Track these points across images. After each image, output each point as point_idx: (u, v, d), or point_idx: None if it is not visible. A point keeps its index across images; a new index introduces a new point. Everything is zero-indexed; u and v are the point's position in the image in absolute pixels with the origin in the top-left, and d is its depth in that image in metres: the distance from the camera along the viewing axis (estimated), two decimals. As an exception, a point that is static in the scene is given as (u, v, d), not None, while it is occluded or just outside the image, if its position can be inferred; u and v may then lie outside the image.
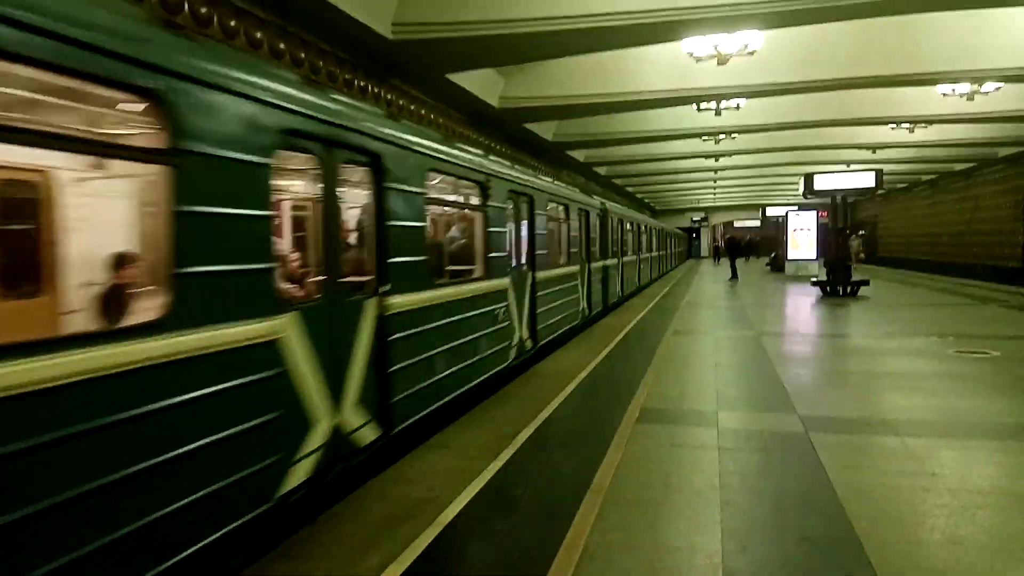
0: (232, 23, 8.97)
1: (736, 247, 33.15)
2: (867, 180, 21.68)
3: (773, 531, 4.31)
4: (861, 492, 4.86)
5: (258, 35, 9.50)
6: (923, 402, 7.56)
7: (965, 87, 16.56)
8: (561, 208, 12.21)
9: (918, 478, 5.14)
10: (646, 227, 26.82)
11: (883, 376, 9.07)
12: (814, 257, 29.87)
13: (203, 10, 8.45)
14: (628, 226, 21.04)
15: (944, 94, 17.38)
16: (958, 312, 17.03)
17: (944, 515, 4.47)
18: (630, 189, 43.88)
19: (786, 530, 4.30)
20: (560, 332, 11.60)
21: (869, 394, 8.03)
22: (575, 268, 12.84)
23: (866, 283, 20.92)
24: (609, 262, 16.98)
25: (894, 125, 22.51)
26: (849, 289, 20.43)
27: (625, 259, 20.00)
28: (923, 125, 22.21)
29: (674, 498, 4.87)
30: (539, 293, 10.20)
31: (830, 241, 22.52)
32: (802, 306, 19.16)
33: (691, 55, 13.87)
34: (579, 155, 26.24)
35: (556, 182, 13.55)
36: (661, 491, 4.97)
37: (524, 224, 9.92)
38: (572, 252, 12.62)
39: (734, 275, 29.71)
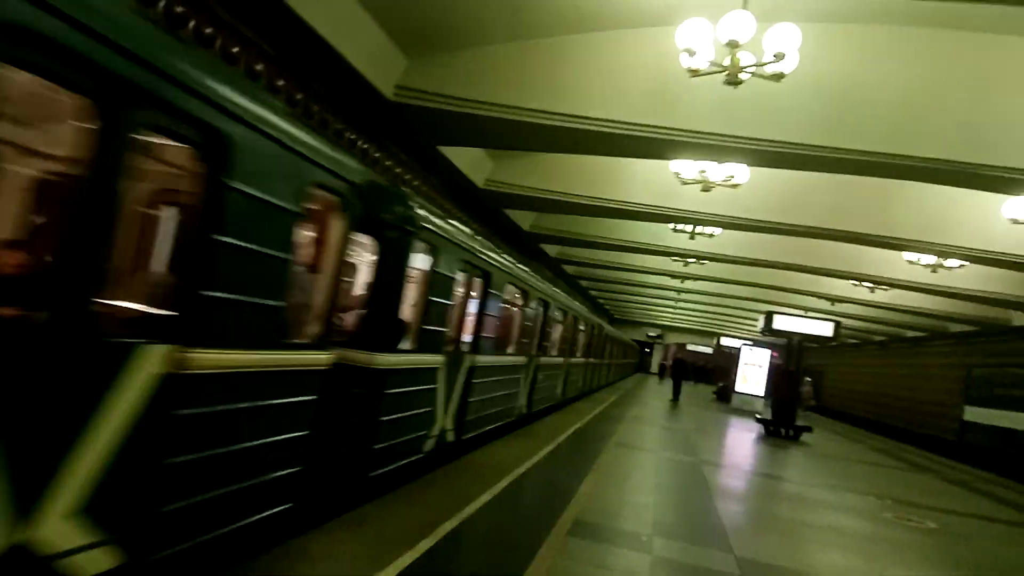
0: (235, 50, 8.83)
1: (683, 369, 32.73)
2: (824, 329, 22.05)
3: None
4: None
5: (258, 67, 9.35)
6: (862, 565, 7.28)
7: (930, 259, 17.07)
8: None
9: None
10: (580, 322, 20.50)
11: (821, 529, 8.80)
12: (762, 394, 29.90)
13: (207, 30, 8.30)
14: (533, 306, 12.88)
15: (909, 261, 17.90)
16: (897, 476, 17.00)
17: None
18: (594, 293, 44.20)
19: None
20: None
21: (807, 545, 7.74)
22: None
23: (809, 429, 20.93)
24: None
25: (856, 282, 23.10)
26: (791, 432, 20.42)
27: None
28: (884, 287, 22.82)
29: (598, 628, 4.45)
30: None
31: (780, 382, 22.62)
32: (744, 441, 19.02)
33: (677, 175, 14.10)
34: (551, 249, 26.37)
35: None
36: (585, 618, 4.55)
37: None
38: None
39: (676, 397, 29.49)
